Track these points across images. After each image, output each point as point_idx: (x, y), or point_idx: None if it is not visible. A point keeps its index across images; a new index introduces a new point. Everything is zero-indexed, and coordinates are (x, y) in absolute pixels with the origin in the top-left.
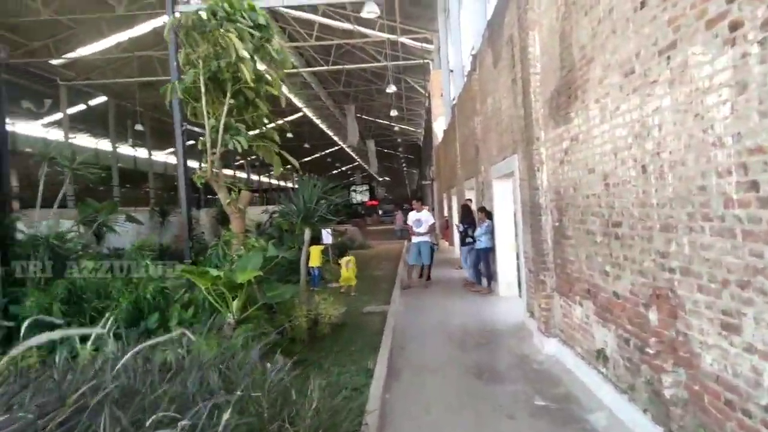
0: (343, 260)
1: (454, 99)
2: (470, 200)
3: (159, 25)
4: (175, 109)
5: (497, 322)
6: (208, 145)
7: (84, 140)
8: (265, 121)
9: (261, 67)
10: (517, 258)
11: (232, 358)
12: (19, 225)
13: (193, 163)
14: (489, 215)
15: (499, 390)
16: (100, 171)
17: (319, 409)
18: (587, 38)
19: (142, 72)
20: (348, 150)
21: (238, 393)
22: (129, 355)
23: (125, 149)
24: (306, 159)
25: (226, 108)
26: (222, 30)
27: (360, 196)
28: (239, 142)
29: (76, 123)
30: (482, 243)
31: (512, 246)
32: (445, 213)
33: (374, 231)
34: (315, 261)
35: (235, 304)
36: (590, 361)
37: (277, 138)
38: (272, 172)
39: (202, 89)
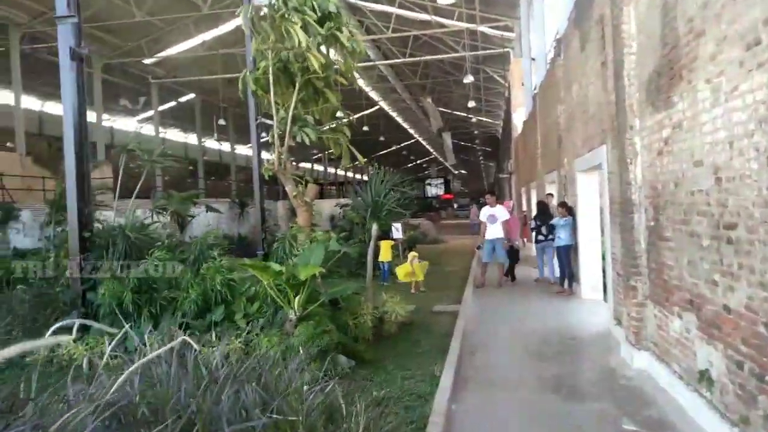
0: (409, 255)
1: (535, 88)
2: (551, 195)
3: (241, 23)
4: (250, 102)
5: (579, 328)
6: (276, 137)
7: (174, 135)
8: (340, 115)
9: (332, 56)
10: (603, 259)
11: (282, 361)
12: (102, 215)
13: (269, 156)
14: (570, 210)
15: (580, 408)
16: (175, 162)
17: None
18: (696, 9)
19: (225, 69)
20: (424, 143)
21: (274, 417)
22: (131, 368)
23: (212, 143)
24: (381, 153)
25: (294, 99)
26: (286, 18)
27: (435, 189)
28: (307, 135)
29: (167, 119)
30: (562, 240)
31: (597, 245)
32: (524, 208)
33: (448, 225)
34: (385, 256)
35: (296, 301)
36: (690, 381)
37: (347, 130)
38: (349, 165)
39: (271, 80)
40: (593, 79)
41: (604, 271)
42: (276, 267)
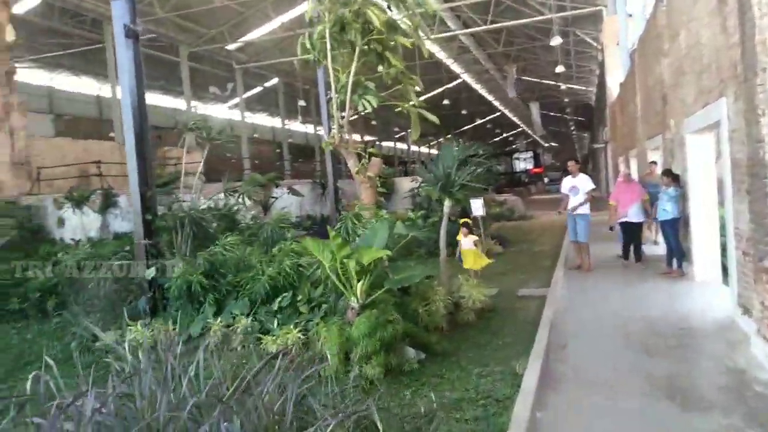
0: (467, 239)
1: (633, 46)
2: (654, 163)
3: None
4: (319, 77)
5: (694, 317)
6: (335, 107)
7: (262, 119)
8: (418, 90)
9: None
10: (722, 234)
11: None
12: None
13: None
14: (676, 179)
15: (703, 422)
16: (234, 142)
17: None
18: None
19: (305, 49)
20: (510, 115)
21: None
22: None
23: (297, 126)
24: (464, 127)
25: (354, 64)
26: None
27: (523, 163)
28: (368, 102)
29: (254, 104)
30: (668, 213)
31: (714, 219)
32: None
33: (538, 201)
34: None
35: (358, 287)
36: None
37: (414, 96)
38: (432, 142)
39: (328, 44)
40: (707, 20)
41: (723, 249)
42: (333, 247)
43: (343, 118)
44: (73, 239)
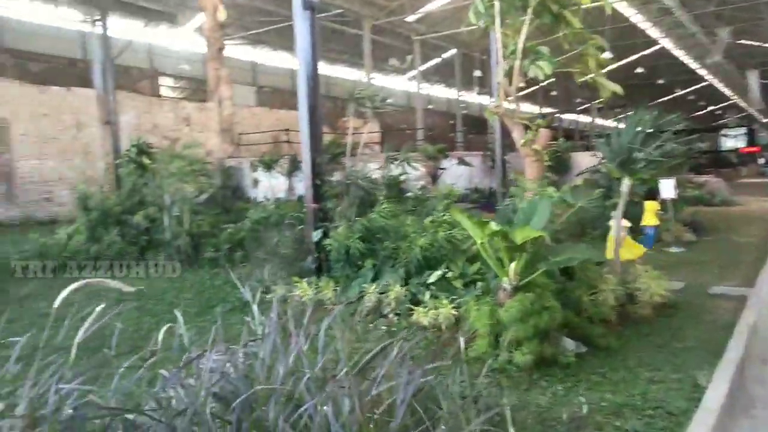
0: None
1: None
2: None
3: None
4: (492, 45)
5: None
6: (503, 74)
7: (437, 90)
8: (605, 55)
9: None
10: None
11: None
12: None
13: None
14: None
15: None
16: (397, 111)
17: None
18: None
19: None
20: (719, 85)
21: None
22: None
23: (472, 97)
24: (661, 99)
25: (526, 27)
26: None
27: (732, 141)
28: (541, 68)
29: (431, 75)
30: None
31: None
32: None
33: (748, 184)
34: (649, 219)
35: (512, 267)
36: None
37: (595, 61)
38: (620, 115)
39: (497, 6)
40: None
41: None
42: (493, 224)
43: (511, 85)
44: (267, 198)
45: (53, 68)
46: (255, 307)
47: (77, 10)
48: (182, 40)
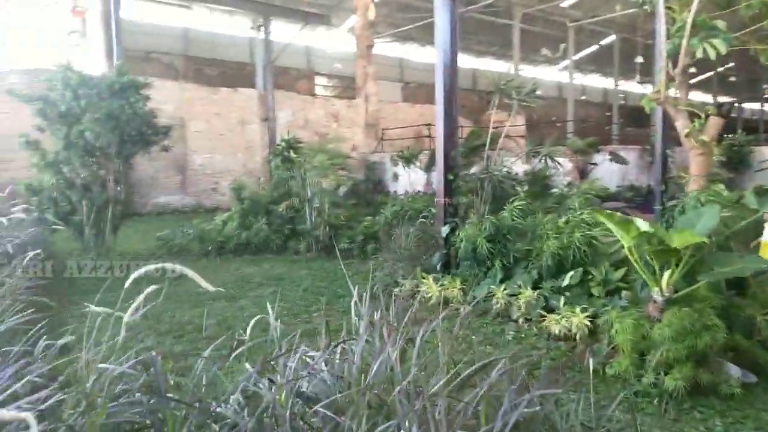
0: None
1: None
2: None
3: None
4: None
5: None
6: (666, 56)
7: (592, 80)
8: None
9: None
10: None
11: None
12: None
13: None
14: None
15: None
16: (547, 103)
17: None
18: None
19: None
20: None
21: None
22: None
23: (632, 86)
24: None
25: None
26: None
27: None
28: (713, 47)
29: (586, 64)
30: None
31: None
32: None
33: None
34: None
35: (665, 276)
36: None
37: None
38: None
39: None
40: None
41: None
42: (644, 225)
43: (676, 68)
44: (407, 191)
45: (225, 72)
46: (358, 304)
47: (248, 18)
48: (336, 41)
